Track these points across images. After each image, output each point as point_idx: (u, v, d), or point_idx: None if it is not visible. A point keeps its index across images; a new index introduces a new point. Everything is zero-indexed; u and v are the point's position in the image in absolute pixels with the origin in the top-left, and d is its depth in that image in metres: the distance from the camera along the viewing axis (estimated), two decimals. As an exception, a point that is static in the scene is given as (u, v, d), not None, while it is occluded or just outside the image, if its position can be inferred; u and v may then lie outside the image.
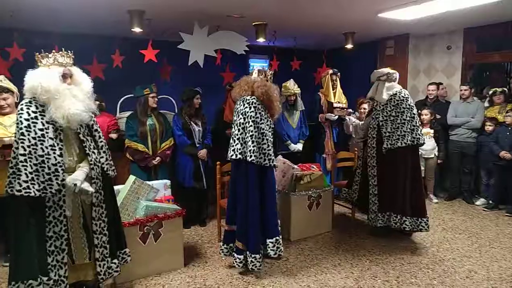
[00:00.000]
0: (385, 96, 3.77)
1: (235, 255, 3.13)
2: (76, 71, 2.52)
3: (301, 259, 3.47)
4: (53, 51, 2.45)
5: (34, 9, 3.89)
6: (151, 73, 5.19)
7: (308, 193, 3.89)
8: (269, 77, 3.25)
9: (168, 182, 3.50)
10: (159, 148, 3.99)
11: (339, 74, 5.05)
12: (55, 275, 2.40)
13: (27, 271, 2.34)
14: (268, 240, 3.12)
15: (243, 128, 3.03)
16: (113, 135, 4.10)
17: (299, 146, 4.83)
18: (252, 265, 3.05)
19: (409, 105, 3.75)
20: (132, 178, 3.17)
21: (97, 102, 3.89)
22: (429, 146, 5.03)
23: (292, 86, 4.77)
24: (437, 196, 5.29)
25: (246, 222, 3.04)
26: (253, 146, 2.98)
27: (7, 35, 4.30)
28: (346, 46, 5.44)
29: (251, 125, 3.00)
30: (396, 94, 3.77)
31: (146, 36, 4.51)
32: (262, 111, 3.08)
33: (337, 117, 4.92)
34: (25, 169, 2.27)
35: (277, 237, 3.14)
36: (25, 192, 2.26)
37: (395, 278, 3.12)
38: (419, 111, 5.10)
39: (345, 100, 5.03)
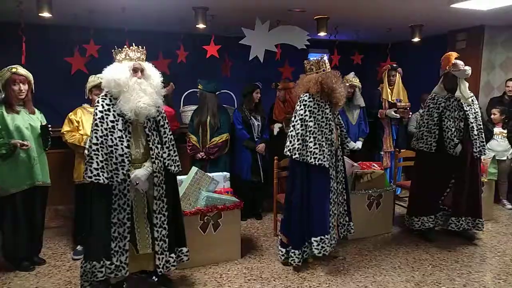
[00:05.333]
0: (470, 94, 3.57)
1: (279, 247, 3.22)
2: (147, 66, 2.61)
3: (359, 259, 3.38)
4: (125, 46, 2.58)
5: (108, 7, 4.16)
6: (213, 68, 5.33)
7: (368, 192, 3.78)
8: (326, 66, 3.15)
9: (227, 174, 3.59)
10: (208, 143, 4.03)
11: (399, 70, 4.80)
12: (116, 261, 2.51)
13: (94, 252, 2.52)
14: (312, 239, 3.06)
15: (293, 126, 3.08)
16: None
17: (358, 144, 4.64)
18: (291, 260, 3.11)
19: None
20: (194, 169, 3.29)
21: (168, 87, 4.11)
22: (501, 147, 4.67)
23: (350, 77, 4.57)
24: (510, 202, 4.87)
25: (289, 218, 3.12)
26: (298, 144, 3.02)
27: (84, 32, 4.64)
28: (412, 40, 5.17)
29: (298, 123, 3.05)
30: (472, 95, 3.59)
31: (208, 32, 4.64)
32: (314, 108, 3.05)
33: (399, 116, 4.70)
34: (97, 158, 2.43)
35: (322, 236, 3.04)
36: (95, 179, 2.42)
37: (461, 287, 2.93)
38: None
39: (405, 99, 4.77)
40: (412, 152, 4.29)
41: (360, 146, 4.66)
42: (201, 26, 4.22)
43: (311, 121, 3.03)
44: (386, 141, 4.86)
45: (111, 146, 2.46)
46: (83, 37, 4.64)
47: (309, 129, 3.02)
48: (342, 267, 3.23)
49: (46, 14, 3.70)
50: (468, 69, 3.53)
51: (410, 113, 4.84)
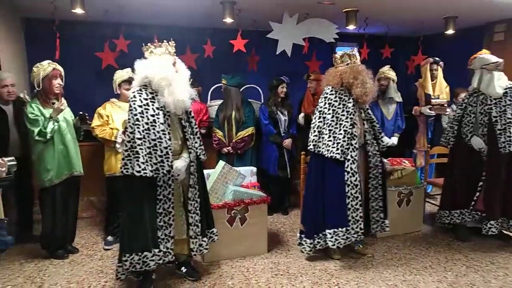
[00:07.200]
0: (498, 89, 3.35)
1: (298, 234, 3.33)
2: (178, 60, 2.67)
3: (388, 257, 3.31)
4: (164, 41, 2.61)
5: (138, 3, 4.22)
6: (240, 62, 5.32)
7: (398, 189, 3.68)
8: (351, 59, 3.10)
9: (254, 169, 3.59)
10: (234, 137, 4.05)
11: (441, 64, 4.59)
12: (163, 247, 2.61)
13: (142, 244, 2.55)
14: (327, 231, 3.09)
15: (314, 118, 3.14)
16: (203, 131, 4.29)
17: (393, 140, 4.42)
18: (302, 248, 3.21)
19: None
20: (221, 163, 3.30)
21: (197, 89, 4.17)
22: None
23: (385, 69, 4.41)
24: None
25: (304, 208, 3.24)
26: (314, 136, 3.10)
27: (114, 28, 4.73)
28: (446, 32, 4.98)
29: (317, 115, 3.12)
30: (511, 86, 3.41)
31: (235, 27, 4.62)
32: (335, 101, 3.06)
33: (434, 113, 4.49)
34: (142, 152, 2.47)
35: (336, 229, 3.03)
36: (143, 173, 2.47)
37: (497, 289, 2.82)
38: None
39: (446, 95, 4.56)
40: (444, 148, 4.14)
41: (395, 142, 4.43)
42: (228, 20, 4.22)
43: (329, 113, 3.05)
44: (420, 140, 4.64)
45: (154, 140, 2.50)
46: (113, 32, 4.72)
47: (326, 121, 3.06)
48: (371, 265, 3.17)
49: (78, 11, 3.78)
50: (487, 57, 3.40)
51: (448, 110, 4.55)
